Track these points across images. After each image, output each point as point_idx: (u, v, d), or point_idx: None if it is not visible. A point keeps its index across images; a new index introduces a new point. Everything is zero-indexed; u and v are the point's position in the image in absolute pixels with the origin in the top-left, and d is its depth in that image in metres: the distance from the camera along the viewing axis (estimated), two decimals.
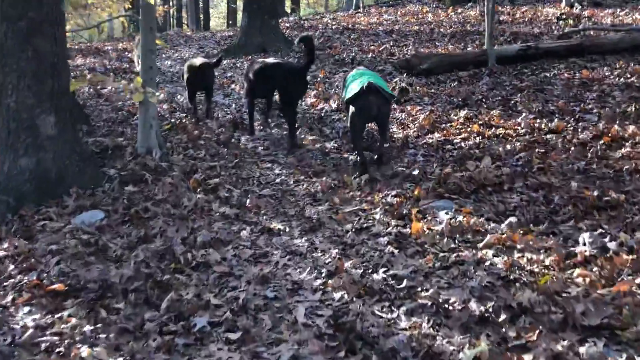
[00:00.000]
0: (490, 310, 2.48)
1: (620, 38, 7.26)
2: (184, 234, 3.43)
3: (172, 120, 6.05)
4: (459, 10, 12.61)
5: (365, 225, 3.51)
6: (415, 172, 4.26)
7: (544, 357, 2.17)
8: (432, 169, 4.30)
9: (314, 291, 2.81)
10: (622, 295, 2.45)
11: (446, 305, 2.57)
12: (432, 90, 6.61)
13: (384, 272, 2.91)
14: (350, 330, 2.42)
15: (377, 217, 3.58)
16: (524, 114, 5.26)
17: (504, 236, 3.14)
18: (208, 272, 3.03)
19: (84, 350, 2.35)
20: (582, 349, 2.18)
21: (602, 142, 4.34)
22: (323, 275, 2.96)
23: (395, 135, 5.26)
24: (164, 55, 10.80)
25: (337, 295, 2.74)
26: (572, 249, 2.96)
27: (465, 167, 4.20)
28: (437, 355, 2.26)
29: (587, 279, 2.63)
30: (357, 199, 3.96)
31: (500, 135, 4.86)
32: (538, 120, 5.03)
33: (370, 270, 2.96)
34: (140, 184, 4.20)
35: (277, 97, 5.51)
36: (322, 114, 6.30)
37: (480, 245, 3.11)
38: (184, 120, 5.99)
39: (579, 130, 4.69)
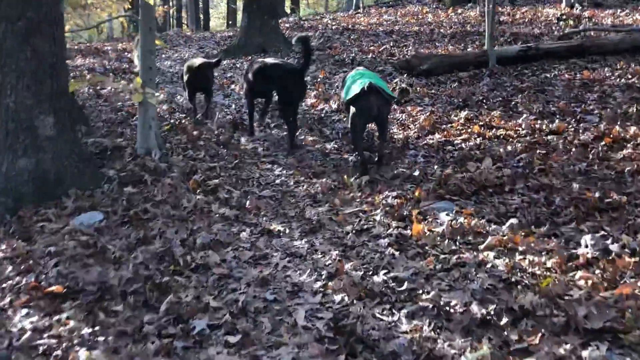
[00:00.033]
0: (492, 313, 2.46)
1: (621, 39, 7.25)
2: (183, 236, 3.41)
3: (172, 120, 6.03)
4: (459, 11, 12.60)
5: (365, 226, 3.50)
6: (416, 173, 4.24)
7: None
8: (433, 170, 4.28)
9: (314, 293, 2.79)
10: (625, 298, 2.43)
11: (447, 308, 2.55)
12: (433, 91, 6.60)
13: (385, 274, 2.89)
14: (350, 334, 2.40)
15: (377, 219, 3.56)
16: (524, 115, 5.25)
17: (505, 238, 3.12)
18: (207, 274, 3.01)
19: (82, 354, 2.33)
20: (584, 353, 2.17)
21: (603, 143, 4.32)
22: (323, 277, 2.94)
23: (395, 136, 5.24)
24: (163, 56, 10.79)
25: (337, 298, 2.72)
26: (573, 251, 2.95)
27: (465, 168, 4.18)
28: (438, 358, 2.24)
29: (590, 282, 2.61)
30: (358, 200, 3.94)
31: (501, 136, 4.84)
32: (539, 121, 5.01)
33: (370, 273, 2.94)
34: (140, 185, 4.17)
35: (276, 97, 5.49)
36: (322, 115, 6.29)
37: (482, 247, 3.09)
38: (183, 121, 5.97)
39: (580, 131, 4.68)
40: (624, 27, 8.25)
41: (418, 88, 6.71)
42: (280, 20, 12.66)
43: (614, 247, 2.87)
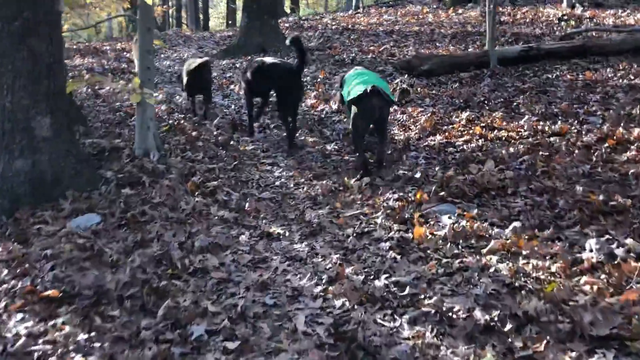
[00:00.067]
0: (496, 319, 2.42)
1: (622, 39, 7.21)
2: (181, 239, 3.36)
3: (170, 121, 5.98)
4: (460, 11, 12.55)
5: (366, 229, 3.45)
6: (417, 175, 4.19)
7: None
8: (434, 172, 4.23)
9: (314, 298, 2.75)
10: (632, 304, 2.39)
11: (450, 314, 2.50)
12: (433, 92, 6.56)
13: (386, 278, 2.85)
14: (351, 340, 2.36)
15: (378, 222, 3.51)
16: (526, 116, 5.20)
17: (508, 242, 3.07)
18: (206, 278, 2.96)
19: None
20: None
21: (606, 145, 4.28)
22: (323, 281, 2.89)
23: (396, 137, 5.20)
24: (162, 56, 10.74)
25: (338, 303, 2.67)
26: (578, 255, 2.90)
27: (467, 170, 4.13)
28: None
29: (595, 287, 2.57)
30: (358, 202, 3.89)
31: (503, 138, 4.79)
32: (541, 123, 4.97)
33: (371, 277, 2.89)
34: (138, 186, 4.12)
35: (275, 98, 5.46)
36: (322, 116, 6.25)
37: (484, 251, 3.04)
38: (182, 122, 5.92)
39: (583, 132, 4.63)
40: (625, 28, 8.21)
41: (419, 88, 6.67)
42: (279, 20, 12.62)
43: (619, 252, 2.83)
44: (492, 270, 2.83)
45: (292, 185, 4.38)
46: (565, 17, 9.99)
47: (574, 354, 2.17)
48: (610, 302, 2.44)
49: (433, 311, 2.53)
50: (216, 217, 3.71)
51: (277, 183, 4.46)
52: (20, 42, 3.74)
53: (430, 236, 3.24)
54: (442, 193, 3.82)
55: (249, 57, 9.37)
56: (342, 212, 3.75)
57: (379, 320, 2.51)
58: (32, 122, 3.83)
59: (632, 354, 2.16)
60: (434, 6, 13.91)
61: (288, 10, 20.72)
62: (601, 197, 3.40)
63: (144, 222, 3.60)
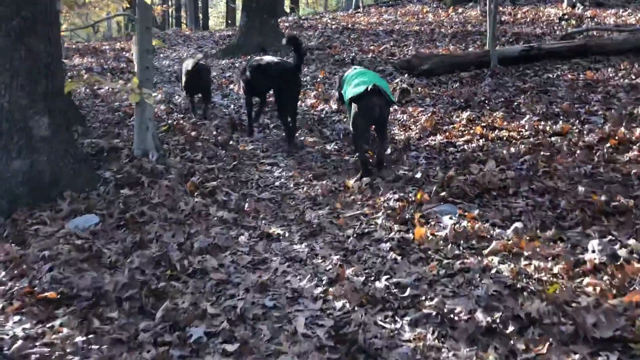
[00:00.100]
0: (498, 321, 2.39)
1: (624, 38, 7.19)
2: (180, 240, 3.34)
3: (170, 121, 5.96)
4: (460, 10, 12.53)
5: (366, 230, 3.42)
6: (418, 175, 4.16)
7: None
8: (435, 172, 4.21)
9: (315, 300, 2.72)
10: (635, 306, 2.36)
11: (451, 316, 2.47)
12: (434, 91, 6.53)
13: (387, 279, 2.82)
14: (352, 342, 2.34)
15: (379, 222, 3.49)
16: (527, 116, 5.17)
17: (510, 242, 3.04)
18: (205, 280, 2.93)
19: None
20: None
21: (608, 145, 4.25)
22: (324, 282, 2.86)
23: (396, 137, 5.17)
24: (161, 55, 10.72)
25: (338, 304, 2.65)
26: (580, 256, 2.87)
27: (468, 170, 4.11)
28: None
29: (598, 288, 2.54)
30: (359, 203, 3.87)
31: (504, 138, 4.77)
32: (542, 123, 4.94)
33: (372, 278, 2.87)
34: (136, 187, 4.10)
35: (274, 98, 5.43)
36: (322, 115, 6.22)
37: (486, 251, 3.02)
38: (181, 122, 5.90)
39: (585, 132, 4.61)
40: (627, 27, 8.18)
41: (419, 88, 6.65)
42: (279, 20, 12.59)
43: (622, 252, 2.80)
44: (493, 271, 2.80)
45: (291, 186, 4.36)
46: (566, 17, 9.97)
47: (576, 357, 2.14)
48: (613, 303, 2.42)
49: (434, 313, 2.50)
50: (215, 218, 3.68)
51: (277, 183, 4.43)
52: (18, 41, 3.71)
53: (431, 237, 3.21)
54: (443, 193, 3.79)
55: (249, 57, 9.36)
56: (342, 212, 3.73)
57: (379, 322, 2.49)
58: (30, 122, 3.80)
59: (635, 356, 2.14)
60: (434, 5, 13.88)
61: (288, 10, 20.68)
62: (603, 198, 3.37)
63: (142, 223, 3.58)
